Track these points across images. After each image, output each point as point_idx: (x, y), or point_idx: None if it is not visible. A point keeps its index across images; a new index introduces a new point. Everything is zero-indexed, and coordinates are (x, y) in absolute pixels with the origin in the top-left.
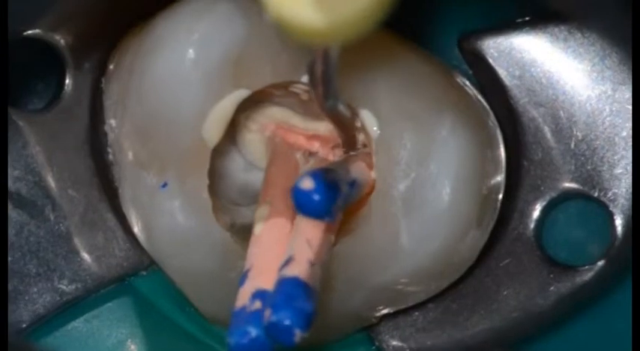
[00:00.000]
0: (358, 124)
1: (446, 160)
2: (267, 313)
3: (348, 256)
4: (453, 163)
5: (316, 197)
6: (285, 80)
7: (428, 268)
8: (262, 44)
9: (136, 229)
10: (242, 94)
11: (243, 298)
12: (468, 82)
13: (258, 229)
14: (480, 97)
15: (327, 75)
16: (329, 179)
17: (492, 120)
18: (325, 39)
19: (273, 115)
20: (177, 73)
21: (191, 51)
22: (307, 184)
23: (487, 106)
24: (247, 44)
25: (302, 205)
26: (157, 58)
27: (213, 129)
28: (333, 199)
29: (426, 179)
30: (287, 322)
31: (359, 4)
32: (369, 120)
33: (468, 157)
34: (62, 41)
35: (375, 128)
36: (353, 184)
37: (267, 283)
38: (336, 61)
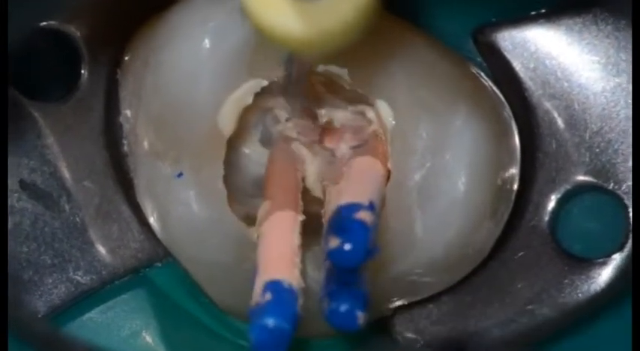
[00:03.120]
0: (370, 115)
1: (461, 150)
2: (325, 302)
3: None
4: (468, 153)
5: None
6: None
7: (442, 258)
8: None
9: (151, 220)
10: (258, 83)
11: (256, 295)
12: (482, 74)
13: (261, 226)
14: (494, 88)
15: (299, 77)
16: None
17: (507, 111)
18: (307, 48)
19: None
20: (193, 62)
21: (206, 40)
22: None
23: (502, 97)
24: (262, 34)
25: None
26: (172, 47)
27: (228, 118)
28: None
29: (441, 169)
30: (345, 308)
31: (341, 16)
32: (384, 110)
33: (483, 147)
34: (78, 33)
35: (390, 118)
36: (372, 207)
37: (275, 273)
38: (308, 66)
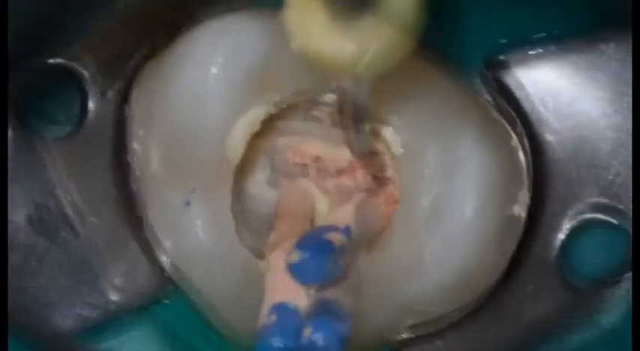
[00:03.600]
0: (385, 133)
1: (468, 177)
2: (307, 331)
3: (371, 274)
4: (476, 180)
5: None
6: (307, 98)
7: (450, 285)
8: (285, 62)
9: (159, 251)
10: (265, 109)
11: (263, 316)
12: (489, 106)
13: (270, 253)
14: (501, 119)
15: (359, 111)
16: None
17: (514, 141)
18: (354, 70)
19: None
20: (201, 89)
21: (215, 68)
22: (295, 257)
23: (509, 128)
24: (270, 61)
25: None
26: (180, 74)
27: (236, 146)
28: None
29: (448, 196)
30: (322, 343)
31: (383, 34)
32: (393, 138)
33: (490, 175)
34: (85, 70)
35: (399, 146)
36: (348, 231)
37: (281, 296)
38: (366, 97)
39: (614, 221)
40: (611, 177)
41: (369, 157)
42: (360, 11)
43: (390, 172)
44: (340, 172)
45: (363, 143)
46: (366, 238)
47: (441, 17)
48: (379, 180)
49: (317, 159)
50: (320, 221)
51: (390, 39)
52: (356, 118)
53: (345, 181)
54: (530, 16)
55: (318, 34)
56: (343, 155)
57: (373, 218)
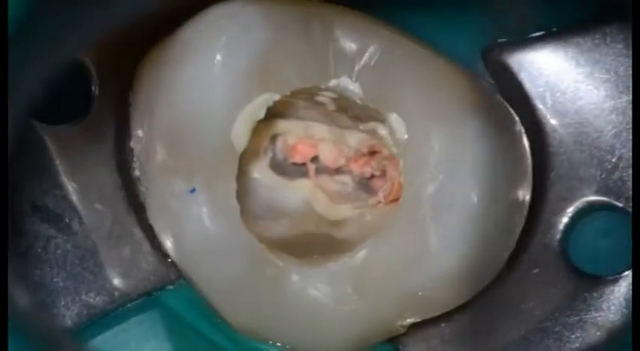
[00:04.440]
0: (382, 132)
1: (474, 162)
2: None
3: (377, 260)
4: (481, 165)
5: None
6: (311, 85)
7: (456, 271)
8: (289, 48)
9: (164, 238)
10: (270, 97)
11: None
12: (493, 90)
13: None
14: (505, 103)
15: None
16: None
17: (518, 126)
18: None
19: (299, 129)
20: (205, 76)
21: (218, 55)
22: None
23: (513, 113)
24: (274, 48)
25: None
26: (184, 62)
27: (241, 132)
28: None
29: (453, 182)
30: None
31: None
32: (397, 124)
33: (495, 161)
34: (89, 58)
35: (403, 132)
36: None
37: None
38: None
39: (618, 204)
40: (614, 160)
41: (368, 156)
42: None
43: (390, 171)
44: (338, 170)
45: None
46: None
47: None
48: (378, 179)
49: (315, 159)
50: (322, 208)
51: None
52: None
53: (344, 180)
54: (534, 1)
55: None
56: (343, 150)
57: None
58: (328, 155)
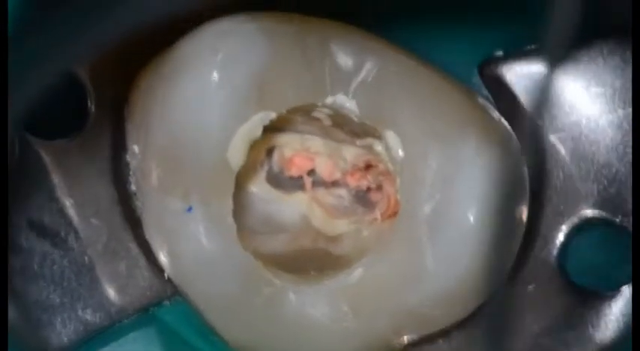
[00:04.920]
0: (378, 148)
1: (470, 180)
2: None
3: (373, 278)
4: (478, 183)
5: None
6: (308, 102)
7: (453, 290)
8: (286, 65)
9: (160, 255)
10: (267, 116)
11: None
12: (490, 105)
13: None
14: (502, 119)
15: None
16: None
17: (515, 143)
18: None
19: (296, 142)
20: (202, 93)
21: (215, 72)
22: None
23: (510, 129)
24: (271, 65)
25: None
26: (180, 79)
27: (237, 151)
28: None
29: (450, 200)
30: None
31: None
32: (393, 141)
33: (493, 178)
34: (85, 71)
35: (399, 149)
36: None
37: None
38: None
39: (615, 219)
40: (611, 174)
41: (364, 170)
42: None
43: (386, 187)
44: (335, 184)
45: None
46: None
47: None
48: (374, 193)
49: (312, 172)
50: (319, 223)
51: None
52: None
53: (340, 193)
54: (530, 15)
55: None
56: (340, 164)
57: None
58: (324, 168)
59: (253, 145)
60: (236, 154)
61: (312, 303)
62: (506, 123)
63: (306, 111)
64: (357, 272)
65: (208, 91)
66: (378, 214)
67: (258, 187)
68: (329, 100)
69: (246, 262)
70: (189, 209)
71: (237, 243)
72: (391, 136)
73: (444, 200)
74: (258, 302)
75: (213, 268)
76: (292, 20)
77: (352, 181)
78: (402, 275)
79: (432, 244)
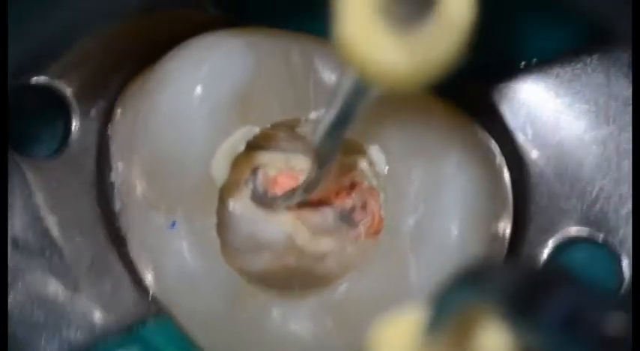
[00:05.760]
0: (363, 166)
1: (454, 195)
2: None
3: (357, 294)
4: (461, 198)
5: None
6: (292, 117)
7: None
8: (270, 80)
9: (145, 272)
10: (250, 130)
11: None
12: (474, 122)
13: None
14: (486, 135)
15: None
16: None
17: (499, 159)
18: (409, 81)
19: (280, 161)
20: (185, 108)
21: (199, 86)
22: None
23: (493, 145)
24: (255, 80)
25: None
26: (164, 94)
27: (221, 166)
28: None
29: (434, 215)
30: None
31: (442, 45)
32: (377, 156)
33: (476, 193)
34: (68, 88)
35: (383, 164)
36: None
37: None
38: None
39: (599, 236)
40: (595, 191)
41: (349, 189)
42: (416, 19)
43: (370, 204)
44: (320, 202)
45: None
46: None
47: None
48: (359, 212)
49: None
50: (304, 241)
51: (449, 48)
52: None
53: (325, 212)
54: (514, 33)
55: (374, 46)
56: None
57: None
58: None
59: (237, 164)
60: (219, 170)
61: (297, 319)
62: (489, 139)
63: (290, 127)
64: (341, 288)
65: (192, 105)
66: (362, 230)
67: (243, 207)
68: (313, 115)
69: (230, 278)
70: (173, 225)
71: (221, 259)
72: (375, 152)
73: (427, 214)
74: (242, 318)
75: (198, 284)
76: (276, 35)
77: (337, 200)
78: (386, 290)
79: (416, 258)
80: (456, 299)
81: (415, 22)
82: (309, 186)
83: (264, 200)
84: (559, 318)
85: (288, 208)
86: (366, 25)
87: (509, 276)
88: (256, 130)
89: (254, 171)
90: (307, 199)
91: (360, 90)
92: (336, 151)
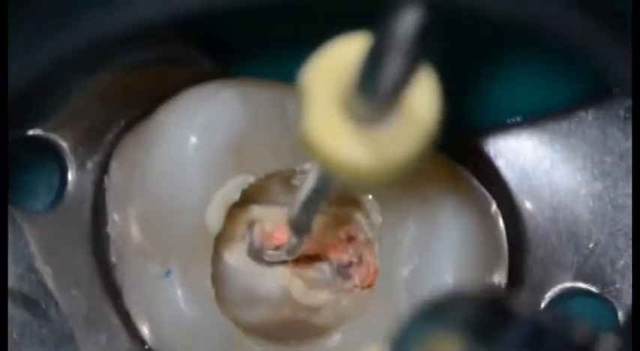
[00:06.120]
0: (358, 217)
1: (448, 245)
2: None
3: (352, 344)
4: (456, 248)
5: None
6: (287, 167)
7: None
8: (264, 130)
9: (140, 323)
10: (245, 180)
11: None
12: (469, 174)
13: None
14: (481, 187)
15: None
16: None
17: (494, 208)
18: (373, 177)
19: (276, 215)
20: (180, 158)
21: (193, 136)
22: None
23: (488, 195)
24: (249, 130)
25: None
26: (159, 144)
27: (216, 215)
28: None
29: (428, 264)
30: None
31: (408, 143)
32: (372, 206)
33: (470, 243)
34: (64, 141)
35: (378, 215)
36: None
37: None
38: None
39: (595, 290)
40: (591, 245)
41: (345, 242)
42: (381, 117)
43: (366, 255)
44: (316, 256)
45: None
46: None
47: None
48: (355, 266)
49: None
50: (299, 294)
51: (413, 146)
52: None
53: (322, 267)
54: (507, 87)
55: (337, 142)
56: (320, 237)
57: None
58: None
59: (234, 218)
60: (214, 219)
61: None
62: (485, 190)
63: (285, 178)
64: (335, 338)
65: (186, 155)
66: (357, 282)
67: (239, 261)
68: (307, 165)
69: (226, 328)
70: (168, 273)
71: (216, 309)
72: (369, 202)
73: (421, 264)
74: None
75: (192, 334)
76: (270, 85)
77: (334, 254)
78: (380, 340)
79: (410, 307)
80: (419, 331)
81: (380, 120)
82: (289, 251)
83: (260, 255)
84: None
85: (284, 263)
86: (331, 121)
87: (470, 306)
88: (251, 179)
89: (250, 225)
90: (301, 253)
91: (326, 177)
92: (311, 222)
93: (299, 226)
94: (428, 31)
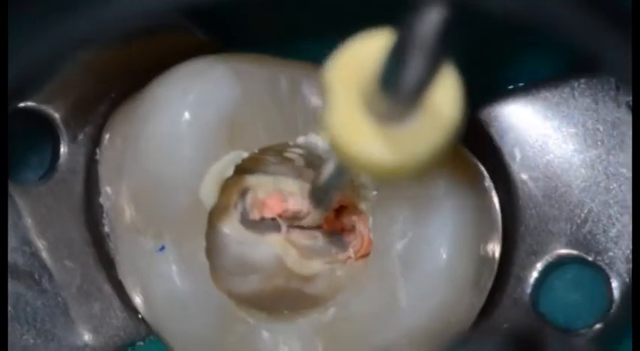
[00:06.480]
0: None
1: (442, 219)
2: None
3: (347, 316)
4: (450, 221)
5: None
6: (280, 141)
7: (426, 327)
8: (257, 105)
9: (134, 296)
10: (238, 155)
11: None
12: (462, 145)
13: None
14: (474, 159)
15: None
16: None
17: (487, 181)
18: (394, 174)
19: (268, 184)
20: (173, 134)
21: (187, 112)
22: None
23: (482, 168)
24: (242, 105)
25: None
26: (152, 119)
27: (210, 191)
28: None
29: (423, 238)
30: None
31: (429, 140)
32: (366, 181)
33: (464, 217)
34: (57, 113)
35: (372, 188)
36: None
37: None
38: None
39: (588, 257)
40: (584, 213)
41: (338, 210)
42: (404, 115)
43: (359, 226)
44: (309, 225)
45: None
46: None
47: None
48: (348, 234)
49: (285, 212)
50: (293, 263)
51: (435, 144)
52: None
53: (315, 235)
54: (501, 56)
55: (360, 140)
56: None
57: None
58: (299, 210)
59: (226, 187)
60: (208, 194)
61: (286, 341)
62: (477, 162)
63: (278, 151)
64: (330, 311)
65: (180, 131)
66: (351, 253)
67: (232, 229)
68: (300, 139)
69: (219, 301)
70: (162, 249)
71: (210, 282)
72: (365, 177)
73: (416, 238)
74: (231, 341)
75: (187, 308)
76: (263, 61)
77: (326, 222)
78: (375, 312)
79: (405, 281)
80: None
81: (402, 117)
82: (312, 220)
83: (253, 223)
84: None
85: (278, 231)
86: (354, 119)
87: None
88: (244, 154)
89: (243, 194)
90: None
91: (345, 169)
92: (333, 197)
93: (319, 198)
94: (451, 30)
